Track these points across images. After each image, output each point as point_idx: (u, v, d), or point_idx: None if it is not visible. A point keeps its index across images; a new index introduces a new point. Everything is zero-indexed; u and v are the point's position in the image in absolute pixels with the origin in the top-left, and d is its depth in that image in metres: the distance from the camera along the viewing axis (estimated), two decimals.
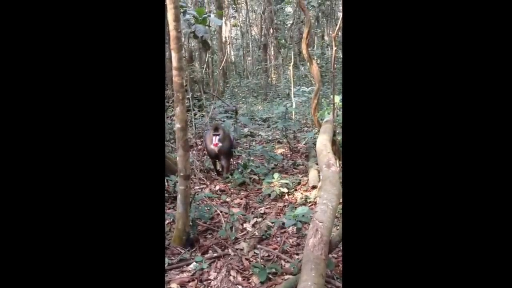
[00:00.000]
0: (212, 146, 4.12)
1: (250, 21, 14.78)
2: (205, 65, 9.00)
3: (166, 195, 3.51)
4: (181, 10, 3.82)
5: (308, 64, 4.70)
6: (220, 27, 11.08)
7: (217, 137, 4.14)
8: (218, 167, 4.56)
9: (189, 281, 2.31)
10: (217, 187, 4.11)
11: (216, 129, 4.23)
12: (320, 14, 11.97)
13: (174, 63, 2.47)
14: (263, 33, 12.96)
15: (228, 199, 3.77)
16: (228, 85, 10.71)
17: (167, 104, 8.10)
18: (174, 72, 2.50)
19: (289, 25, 13.19)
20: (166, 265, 2.45)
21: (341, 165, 3.53)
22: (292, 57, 9.64)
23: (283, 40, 13.02)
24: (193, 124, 5.82)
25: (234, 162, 4.83)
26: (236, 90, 10.76)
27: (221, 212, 3.20)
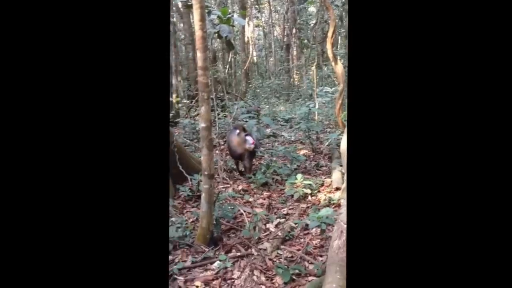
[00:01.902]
0: (250, 145, 4.13)
1: (273, 21, 14.77)
2: (228, 66, 9.05)
3: (190, 193, 3.55)
4: (206, 10, 3.84)
5: (332, 64, 4.64)
6: (243, 27, 11.12)
7: (251, 137, 4.16)
8: (241, 167, 4.57)
9: (213, 280, 2.32)
10: (240, 187, 4.12)
11: (244, 129, 4.26)
12: (344, 13, 11.82)
13: (200, 62, 2.49)
14: (285, 33, 12.92)
15: (251, 199, 3.77)
16: (250, 85, 10.73)
17: (191, 104, 8.20)
18: (199, 72, 2.52)
19: (312, 25, 13.09)
20: (190, 263, 2.47)
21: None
22: (316, 57, 9.56)
23: (306, 40, 12.95)
24: (216, 124, 5.86)
25: (257, 163, 4.83)
26: (258, 90, 10.78)
27: (244, 211, 3.20)
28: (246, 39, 11.99)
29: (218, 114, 6.29)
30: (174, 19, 9.00)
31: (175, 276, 2.32)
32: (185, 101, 8.73)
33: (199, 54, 2.46)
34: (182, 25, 10.89)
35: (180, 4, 9.33)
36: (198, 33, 2.43)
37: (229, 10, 5.92)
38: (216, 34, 3.96)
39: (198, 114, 7.27)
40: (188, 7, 3.98)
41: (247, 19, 12.21)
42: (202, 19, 2.40)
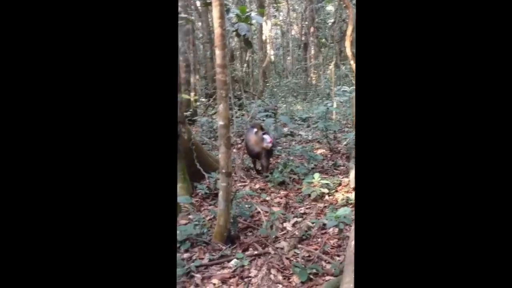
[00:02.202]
0: (268, 144, 4.12)
1: (291, 20, 14.71)
2: (245, 64, 9.05)
3: (208, 191, 3.56)
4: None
5: (350, 62, 4.58)
6: (261, 26, 11.11)
7: (268, 135, 4.15)
8: (258, 166, 4.56)
9: (230, 278, 2.32)
10: (257, 186, 4.11)
11: (261, 128, 4.25)
12: None
13: (218, 60, 2.49)
14: (303, 32, 12.85)
15: (268, 198, 3.75)
16: (267, 84, 10.71)
17: (208, 102, 8.24)
18: (218, 70, 2.52)
19: (330, 24, 12.98)
20: (207, 260, 2.48)
21: None
22: (333, 56, 9.47)
23: (323, 39, 12.84)
24: (234, 123, 5.87)
25: (274, 162, 4.81)
26: (275, 89, 10.75)
27: (261, 210, 3.19)
28: (263, 38, 11.97)
29: (236, 113, 6.30)
30: (193, 17, 9.05)
31: (192, 273, 2.33)
32: (202, 99, 8.78)
33: (217, 52, 2.46)
34: (200, 23, 10.96)
35: (198, 3, 9.38)
36: (217, 31, 2.43)
37: (247, 9, 5.92)
38: (234, 33, 3.95)
39: (215, 113, 7.30)
40: (207, 4, 3.99)
41: (264, 17, 12.20)
42: (222, 17, 2.40)
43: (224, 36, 2.46)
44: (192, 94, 7.65)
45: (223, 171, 2.66)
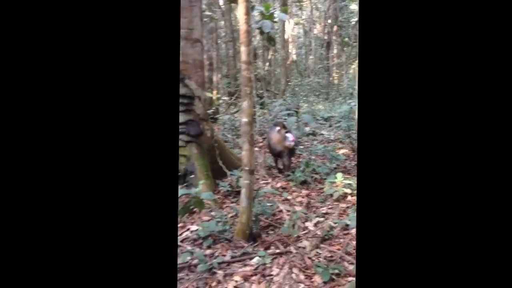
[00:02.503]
0: (290, 143, 4.10)
1: (314, 19, 14.59)
2: (268, 63, 9.04)
3: (229, 189, 3.56)
4: None
5: None
6: (283, 25, 11.06)
7: (291, 134, 4.13)
8: (280, 165, 4.54)
9: (251, 275, 2.31)
10: (279, 184, 4.09)
11: (284, 126, 4.23)
12: None
13: (243, 57, 2.48)
14: (326, 31, 12.73)
15: (289, 197, 3.73)
16: (289, 83, 10.67)
17: (230, 100, 8.27)
18: (243, 66, 2.51)
19: (353, 22, 12.79)
20: (229, 257, 2.48)
21: None
22: (357, 55, 9.32)
23: (346, 38, 12.67)
24: (256, 121, 5.86)
25: (295, 161, 4.78)
26: (297, 89, 10.69)
27: (283, 209, 3.17)
28: (286, 36, 11.92)
29: (257, 112, 6.29)
30: (216, 16, 9.10)
31: (215, 270, 2.34)
32: (224, 97, 8.82)
33: (243, 49, 2.46)
34: (223, 22, 11.01)
35: (221, 1, 9.42)
36: (242, 27, 2.42)
37: (270, 7, 5.89)
38: (258, 30, 3.95)
39: (237, 111, 7.32)
40: (231, 2, 3.99)
41: (287, 16, 12.13)
42: (247, 13, 2.39)
43: (250, 33, 2.45)
44: (215, 92, 7.70)
45: (246, 168, 2.65)
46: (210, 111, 5.47)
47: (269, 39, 4.08)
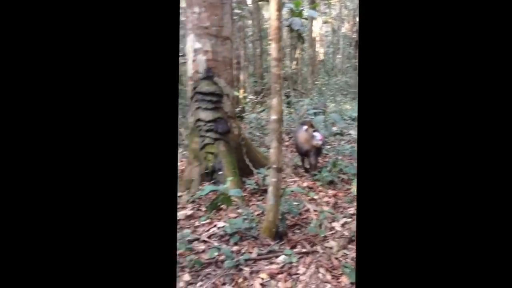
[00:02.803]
0: (318, 142, 4.05)
1: (342, 17, 14.39)
2: (295, 62, 8.98)
3: (256, 187, 3.56)
4: None
5: None
6: (311, 24, 10.97)
7: (319, 133, 4.08)
8: (306, 164, 4.50)
9: (278, 273, 2.30)
10: (305, 184, 4.05)
11: (312, 125, 4.19)
12: None
13: (273, 53, 2.47)
14: (354, 30, 12.52)
15: (316, 197, 3.68)
16: (317, 82, 10.57)
17: (256, 99, 8.28)
18: (273, 63, 2.50)
19: None
20: (255, 254, 2.47)
21: None
22: None
23: None
24: (283, 120, 5.83)
25: (322, 160, 4.72)
26: (324, 88, 10.57)
27: (310, 208, 3.14)
28: (313, 35, 11.81)
29: (284, 110, 6.26)
30: (244, 13, 9.13)
31: (241, 266, 2.34)
32: (251, 96, 8.83)
33: (273, 45, 2.44)
34: (250, 21, 11.03)
35: (249, 0, 9.44)
36: (273, 24, 2.41)
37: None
38: (288, 28, 3.92)
39: (263, 110, 7.32)
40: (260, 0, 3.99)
41: (317, 13, 12.01)
42: (279, 9, 2.38)
43: (280, 29, 2.43)
44: (241, 91, 7.72)
45: (274, 166, 2.63)
46: (236, 110, 5.49)
47: (299, 37, 4.05)
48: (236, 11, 5.96)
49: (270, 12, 2.43)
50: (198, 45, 3.64)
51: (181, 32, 10.70)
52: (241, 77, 8.27)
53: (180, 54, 9.59)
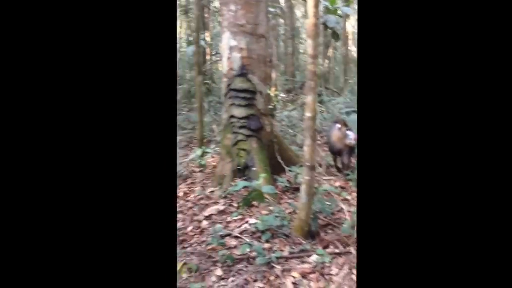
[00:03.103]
0: (351, 141, 3.99)
1: None
2: (327, 60, 8.87)
3: (287, 185, 3.54)
4: None
5: None
6: (344, 22, 10.79)
7: (352, 132, 4.01)
8: (339, 164, 4.43)
9: (310, 273, 2.27)
10: (337, 183, 3.98)
11: (345, 124, 4.12)
12: None
13: (310, 50, 2.44)
14: None
15: (348, 197, 3.62)
16: (349, 81, 10.39)
17: (287, 98, 8.24)
18: (309, 60, 2.47)
19: None
20: (287, 253, 2.46)
21: None
22: None
23: None
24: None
25: (354, 160, 4.63)
26: (356, 87, 10.38)
27: (344, 208, 3.08)
28: (346, 33, 11.62)
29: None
30: (279, 12, 9.10)
31: (273, 264, 2.33)
32: (282, 95, 8.80)
33: (309, 41, 2.42)
34: (282, 20, 10.99)
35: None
36: (310, 20, 2.38)
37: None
38: (322, 25, 3.87)
39: (294, 108, 7.27)
40: None
41: (351, 10, 11.81)
42: (316, 6, 2.35)
43: (318, 26, 2.40)
44: (273, 89, 7.70)
45: (307, 164, 2.61)
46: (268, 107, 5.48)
47: (334, 34, 3.99)
48: (270, 9, 5.95)
49: (307, 9, 2.40)
50: (233, 43, 3.66)
51: (217, 30, 10.81)
52: (273, 75, 8.26)
53: (214, 52, 9.67)
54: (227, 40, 3.72)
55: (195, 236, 2.80)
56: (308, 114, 2.59)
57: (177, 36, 14.03)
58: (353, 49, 13.15)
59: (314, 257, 2.41)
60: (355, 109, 6.12)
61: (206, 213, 3.13)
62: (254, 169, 3.54)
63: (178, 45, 14.19)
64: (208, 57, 9.22)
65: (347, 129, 4.03)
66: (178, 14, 12.16)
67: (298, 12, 13.50)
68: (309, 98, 2.56)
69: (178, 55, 13.29)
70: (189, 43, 8.52)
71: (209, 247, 2.58)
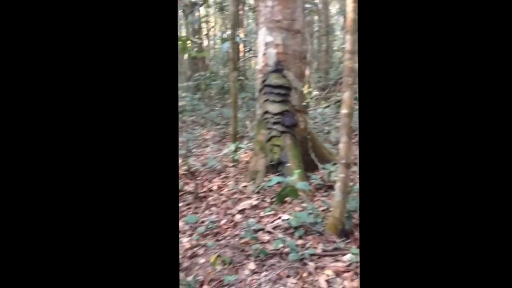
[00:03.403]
0: None
1: None
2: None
3: (321, 182, 3.51)
4: None
5: None
6: None
7: None
8: None
9: (344, 271, 2.24)
10: None
11: None
12: None
13: (348, 46, 2.40)
14: None
15: None
16: None
17: (321, 95, 8.15)
18: (347, 56, 2.43)
19: None
20: (320, 250, 2.44)
21: None
22: None
23: None
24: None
25: None
26: None
27: None
28: None
29: None
30: (315, 8, 9.01)
31: (306, 261, 2.32)
32: (315, 92, 8.73)
33: (348, 37, 2.38)
34: (316, 17, 10.86)
35: None
36: (349, 15, 2.34)
37: None
38: None
39: (328, 106, 7.18)
40: None
41: None
42: (355, 1, 2.31)
43: (356, 21, 2.36)
44: (306, 86, 7.64)
45: (343, 161, 2.57)
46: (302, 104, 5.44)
47: None
48: (307, 5, 5.89)
49: (347, 4, 2.36)
50: (269, 39, 3.66)
51: (253, 26, 10.84)
52: (307, 72, 8.19)
53: (247, 49, 9.70)
54: (263, 36, 3.72)
55: (229, 229, 2.84)
56: (344, 110, 2.55)
57: (212, 33, 14.17)
58: None
59: (348, 256, 2.38)
60: None
61: (240, 207, 3.16)
62: (287, 165, 3.53)
63: (212, 42, 14.36)
64: (241, 54, 9.27)
65: None
66: (213, 11, 12.28)
67: (333, 9, 13.29)
68: (346, 95, 2.52)
69: (212, 52, 13.43)
70: (223, 40, 8.59)
71: (242, 240, 2.61)
